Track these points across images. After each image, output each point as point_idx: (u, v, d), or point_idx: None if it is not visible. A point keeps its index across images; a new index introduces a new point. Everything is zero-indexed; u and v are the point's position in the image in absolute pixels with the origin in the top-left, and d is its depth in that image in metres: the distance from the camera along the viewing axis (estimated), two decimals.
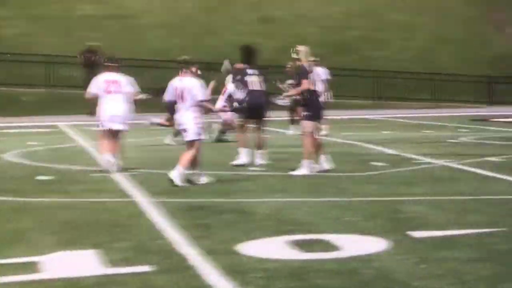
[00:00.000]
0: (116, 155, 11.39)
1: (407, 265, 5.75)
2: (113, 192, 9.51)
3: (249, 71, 12.37)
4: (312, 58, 16.17)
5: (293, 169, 10.92)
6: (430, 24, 41.30)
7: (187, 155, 9.95)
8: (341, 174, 10.84)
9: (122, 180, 10.47)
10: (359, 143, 15.84)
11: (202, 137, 10.35)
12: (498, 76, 35.81)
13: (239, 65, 13.08)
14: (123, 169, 11.34)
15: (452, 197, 8.77)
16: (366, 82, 34.30)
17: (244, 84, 12.33)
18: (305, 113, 11.00)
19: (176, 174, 9.78)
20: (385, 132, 19.03)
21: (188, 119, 10.07)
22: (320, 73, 17.98)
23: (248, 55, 12.51)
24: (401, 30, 40.42)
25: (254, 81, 12.32)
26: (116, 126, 11.47)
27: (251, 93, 12.28)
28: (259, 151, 12.27)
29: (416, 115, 27.89)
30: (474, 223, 7.21)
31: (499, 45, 40.36)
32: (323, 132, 17.45)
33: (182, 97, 10.09)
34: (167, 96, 10.38)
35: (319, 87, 13.68)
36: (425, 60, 37.80)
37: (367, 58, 37.49)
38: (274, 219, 7.56)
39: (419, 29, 41.03)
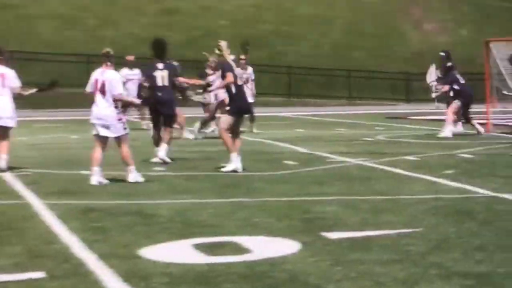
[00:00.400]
0: (3, 154, 11.12)
1: (320, 267, 5.81)
2: (4, 193, 9.27)
3: (159, 65, 12.41)
4: (243, 57, 16.56)
5: (219, 168, 11.10)
6: (345, 19, 42.07)
7: (126, 152, 10.16)
8: (252, 173, 10.89)
9: (13, 181, 10.22)
10: (271, 142, 15.97)
11: (128, 130, 10.45)
12: (416, 73, 36.77)
13: (130, 58, 13.10)
14: (13, 169, 11.07)
15: (367, 197, 8.93)
16: (279, 78, 34.65)
17: (152, 78, 12.35)
18: (227, 108, 11.21)
19: (133, 176, 10.05)
20: (299, 130, 19.25)
21: (110, 115, 10.16)
22: (249, 72, 18.23)
23: (159, 49, 12.56)
24: (314, 24, 41.04)
25: (164, 76, 12.36)
26: (2, 123, 11.21)
27: (158, 88, 12.31)
28: (164, 147, 12.38)
29: (331, 112, 28.33)
30: (390, 224, 7.35)
31: (417, 41, 41.49)
32: (254, 130, 17.77)
33: (103, 90, 10.15)
34: (89, 88, 10.39)
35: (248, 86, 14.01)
36: (340, 56, 38.46)
37: (279, 53, 37.88)
38: (178, 222, 7.52)
39: (333, 24, 41.74)
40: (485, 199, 8.82)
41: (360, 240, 6.69)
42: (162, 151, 12.28)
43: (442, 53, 18.92)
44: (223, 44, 11.32)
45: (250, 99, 16.23)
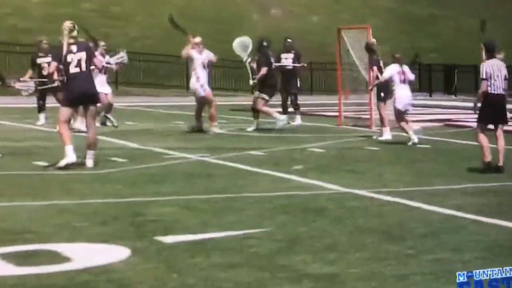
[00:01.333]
0: None
1: (154, 274, 5.75)
2: None
3: None
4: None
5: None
6: (180, 1, 42.06)
7: None
8: (69, 172, 10.66)
9: None
10: None
11: None
12: None
13: None
14: None
15: (208, 196, 8.96)
16: None
17: None
18: (60, 98, 11.37)
19: None
20: (128, 123, 19.02)
21: None
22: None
23: None
24: (145, 4, 40.79)
25: None
26: None
27: None
28: None
29: (167, 103, 28.28)
30: (233, 224, 7.41)
31: (263, 27, 42.15)
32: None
33: None
34: None
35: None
36: (176, 41, 38.39)
37: (105, 36, 37.32)
38: None
39: (167, 5, 41.62)
40: (337, 196, 9.09)
41: (200, 243, 6.70)
42: None
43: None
44: (65, 25, 11.22)
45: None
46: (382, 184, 9.89)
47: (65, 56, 11.11)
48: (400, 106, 14.56)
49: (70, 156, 10.87)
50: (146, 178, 10.26)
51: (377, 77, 15.88)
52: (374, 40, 17.08)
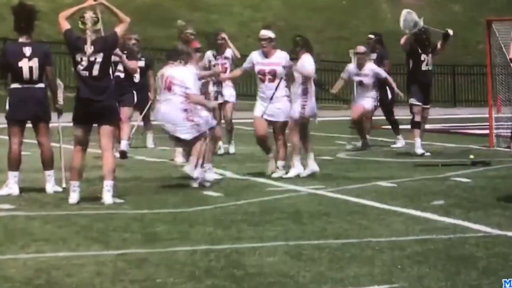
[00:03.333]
0: None
1: None
2: None
3: (26, 49, 12.27)
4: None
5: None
6: None
7: None
8: (151, 210, 10.86)
9: None
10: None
11: None
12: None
13: None
14: None
15: (322, 241, 8.96)
16: None
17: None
18: None
19: None
20: (224, 145, 19.18)
21: None
22: None
23: (23, 19, 12.45)
24: None
25: (33, 66, 12.34)
26: None
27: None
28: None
29: None
30: (356, 279, 7.39)
31: (394, 18, 42.17)
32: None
33: None
34: None
35: None
36: (280, 42, 38.72)
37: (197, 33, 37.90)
38: (40, 286, 7.34)
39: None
40: (487, 240, 9.02)
41: None
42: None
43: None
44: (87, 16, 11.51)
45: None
46: None
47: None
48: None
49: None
50: (246, 217, 10.36)
51: None
52: None
